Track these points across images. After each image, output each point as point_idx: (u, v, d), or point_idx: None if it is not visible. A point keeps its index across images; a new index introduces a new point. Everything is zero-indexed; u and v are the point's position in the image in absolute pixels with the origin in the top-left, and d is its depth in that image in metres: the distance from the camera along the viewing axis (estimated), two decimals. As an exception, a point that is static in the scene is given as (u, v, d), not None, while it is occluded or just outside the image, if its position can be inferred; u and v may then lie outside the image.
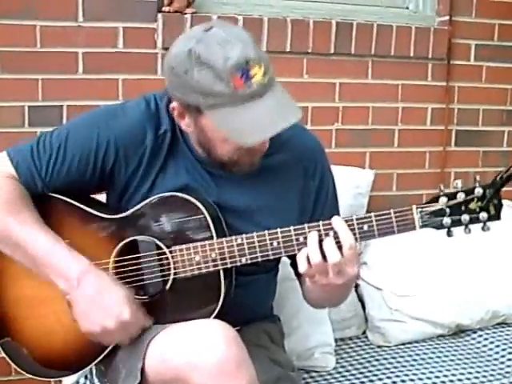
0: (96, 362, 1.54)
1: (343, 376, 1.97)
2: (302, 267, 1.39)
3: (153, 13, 2.21)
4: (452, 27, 2.57)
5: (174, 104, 1.46)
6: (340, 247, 1.38)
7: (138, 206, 1.50)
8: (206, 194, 1.52)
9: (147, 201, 1.50)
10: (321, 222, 1.42)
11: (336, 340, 2.14)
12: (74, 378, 2.02)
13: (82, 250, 1.44)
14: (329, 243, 1.38)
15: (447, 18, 2.57)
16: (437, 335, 2.24)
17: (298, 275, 1.65)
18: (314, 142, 1.66)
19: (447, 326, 2.24)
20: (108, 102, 2.14)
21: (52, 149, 1.51)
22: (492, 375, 1.98)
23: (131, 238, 1.49)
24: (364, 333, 2.28)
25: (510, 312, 2.32)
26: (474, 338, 2.25)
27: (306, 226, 1.42)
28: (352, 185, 2.34)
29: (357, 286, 2.31)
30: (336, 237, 1.39)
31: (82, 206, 1.53)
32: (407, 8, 2.64)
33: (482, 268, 2.31)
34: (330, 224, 1.41)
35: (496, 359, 2.10)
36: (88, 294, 1.40)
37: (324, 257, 1.37)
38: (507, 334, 2.26)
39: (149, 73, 2.22)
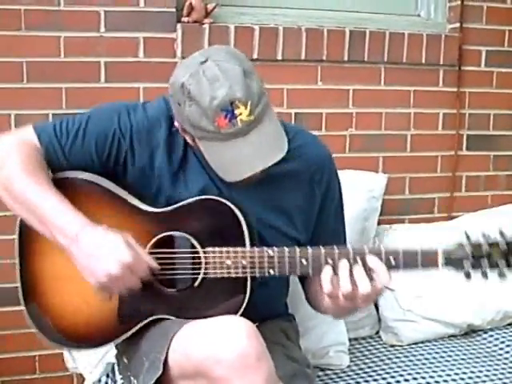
0: (116, 341, 1.61)
1: (357, 374, 2.03)
2: (327, 288, 1.45)
3: (172, 23, 2.28)
4: (463, 34, 2.62)
5: (175, 123, 1.55)
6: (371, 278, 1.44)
7: (179, 204, 1.56)
8: (226, 193, 1.58)
9: (188, 200, 1.56)
10: (350, 248, 1.48)
11: (350, 339, 2.20)
12: (96, 375, 2.10)
13: None
14: (360, 274, 1.44)
15: (458, 24, 2.63)
16: (448, 335, 2.30)
17: (303, 282, 1.73)
18: (323, 150, 1.73)
19: (459, 326, 2.29)
20: (129, 109, 2.24)
21: (73, 126, 1.60)
22: (502, 374, 2.03)
23: (168, 233, 1.55)
24: (377, 333, 2.35)
25: (520, 312, 2.37)
26: (484, 338, 2.31)
27: (335, 248, 1.48)
28: (366, 188, 2.39)
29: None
30: (368, 268, 1.45)
31: (123, 194, 1.59)
32: (419, 15, 2.70)
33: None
34: (359, 250, 1.47)
35: (506, 358, 2.16)
36: (87, 246, 1.44)
37: (354, 284, 1.43)
38: (517, 334, 2.32)
39: (168, 81, 2.29)
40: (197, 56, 1.48)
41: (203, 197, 1.57)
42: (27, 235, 1.63)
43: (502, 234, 1.43)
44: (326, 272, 1.46)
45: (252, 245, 1.53)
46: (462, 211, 2.68)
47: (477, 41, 2.66)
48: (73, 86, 2.24)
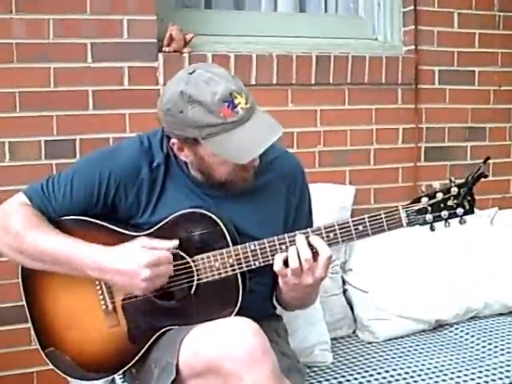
0: (133, 361, 1.73)
1: (341, 369, 2.20)
2: (277, 266, 1.63)
3: (154, 53, 2.44)
4: (417, 55, 2.86)
5: (173, 140, 1.69)
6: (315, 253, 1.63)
7: (161, 224, 1.71)
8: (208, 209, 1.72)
9: (169, 218, 1.70)
10: (309, 230, 1.66)
11: (330, 339, 2.37)
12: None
13: None
14: (304, 248, 1.62)
15: (413, 47, 2.86)
16: (419, 330, 2.49)
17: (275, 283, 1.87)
18: (295, 163, 1.92)
19: (428, 321, 2.49)
20: (116, 134, 2.40)
21: (60, 186, 1.74)
22: (470, 360, 2.24)
23: None
24: (354, 332, 2.53)
25: (480, 307, 2.58)
26: (451, 331, 2.51)
27: (309, 230, 1.66)
28: (336, 200, 2.58)
29: (345, 291, 2.57)
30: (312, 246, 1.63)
31: (109, 225, 1.73)
32: (376, 39, 2.92)
33: (455, 270, 2.58)
34: (305, 232, 1.65)
35: (472, 347, 2.37)
36: (114, 270, 1.61)
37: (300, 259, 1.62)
38: (480, 326, 2.52)
39: (152, 107, 2.37)
40: (183, 71, 1.66)
41: (180, 212, 1.70)
42: (28, 285, 1.78)
43: (451, 180, 1.62)
44: (280, 254, 1.64)
45: (234, 244, 1.69)
46: (424, 218, 2.90)
47: (430, 61, 2.89)
48: (63, 114, 2.37)
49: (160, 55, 2.45)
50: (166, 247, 1.64)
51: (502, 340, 2.39)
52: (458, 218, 1.61)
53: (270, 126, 1.64)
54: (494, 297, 2.61)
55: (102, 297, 1.73)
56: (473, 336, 2.45)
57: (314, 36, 2.79)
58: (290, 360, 1.86)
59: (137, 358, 1.73)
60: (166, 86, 1.68)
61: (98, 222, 1.74)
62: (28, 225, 1.68)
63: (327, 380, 2.13)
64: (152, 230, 1.72)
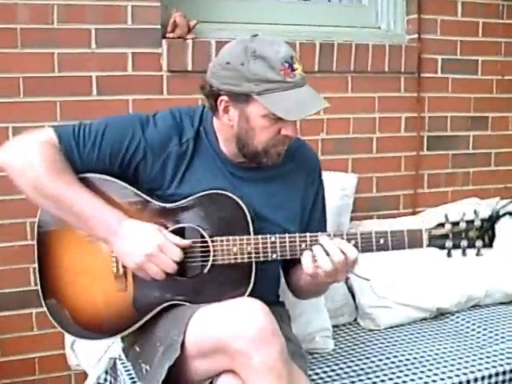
0: (132, 328, 1.74)
1: (342, 355, 2.22)
2: (309, 269, 1.64)
3: (158, 39, 2.44)
4: (421, 44, 2.86)
5: (222, 97, 1.70)
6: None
7: (188, 199, 1.72)
8: (233, 191, 1.73)
9: (196, 195, 1.71)
10: (345, 231, 1.68)
11: (331, 327, 2.39)
12: (100, 370, 2.22)
13: None
14: (335, 251, 1.63)
15: (416, 35, 2.86)
16: (420, 318, 2.51)
17: (286, 272, 1.91)
18: (314, 153, 1.96)
19: (429, 309, 2.51)
20: (120, 120, 2.39)
21: (91, 133, 1.73)
22: (471, 348, 2.26)
23: (179, 225, 1.70)
24: (355, 320, 2.55)
25: (482, 296, 2.61)
26: (452, 320, 2.54)
27: (331, 232, 1.67)
28: (338, 188, 2.59)
29: (347, 279, 2.57)
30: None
31: (137, 191, 1.74)
32: (379, 28, 2.92)
33: (456, 259, 2.58)
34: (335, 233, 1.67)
35: (473, 335, 2.39)
36: (124, 234, 1.63)
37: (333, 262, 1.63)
38: (481, 315, 2.55)
39: (156, 93, 2.46)
40: (243, 37, 1.71)
41: (209, 191, 1.72)
42: (43, 237, 1.77)
43: (475, 213, 1.64)
44: (307, 255, 1.65)
45: (256, 233, 1.70)
46: (425, 206, 2.92)
47: (433, 50, 2.90)
48: (67, 100, 2.37)
49: (164, 41, 2.45)
50: (177, 241, 1.65)
51: (503, 328, 2.41)
52: (476, 250, 1.64)
53: (318, 96, 1.70)
54: (495, 286, 2.63)
55: (114, 259, 1.73)
56: (474, 324, 2.47)
57: (318, 24, 2.79)
58: (294, 345, 1.87)
59: (136, 326, 1.74)
60: (224, 47, 1.72)
61: (125, 185, 1.74)
62: (52, 169, 1.66)
63: (328, 366, 2.15)
64: (176, 203, 1.73)
